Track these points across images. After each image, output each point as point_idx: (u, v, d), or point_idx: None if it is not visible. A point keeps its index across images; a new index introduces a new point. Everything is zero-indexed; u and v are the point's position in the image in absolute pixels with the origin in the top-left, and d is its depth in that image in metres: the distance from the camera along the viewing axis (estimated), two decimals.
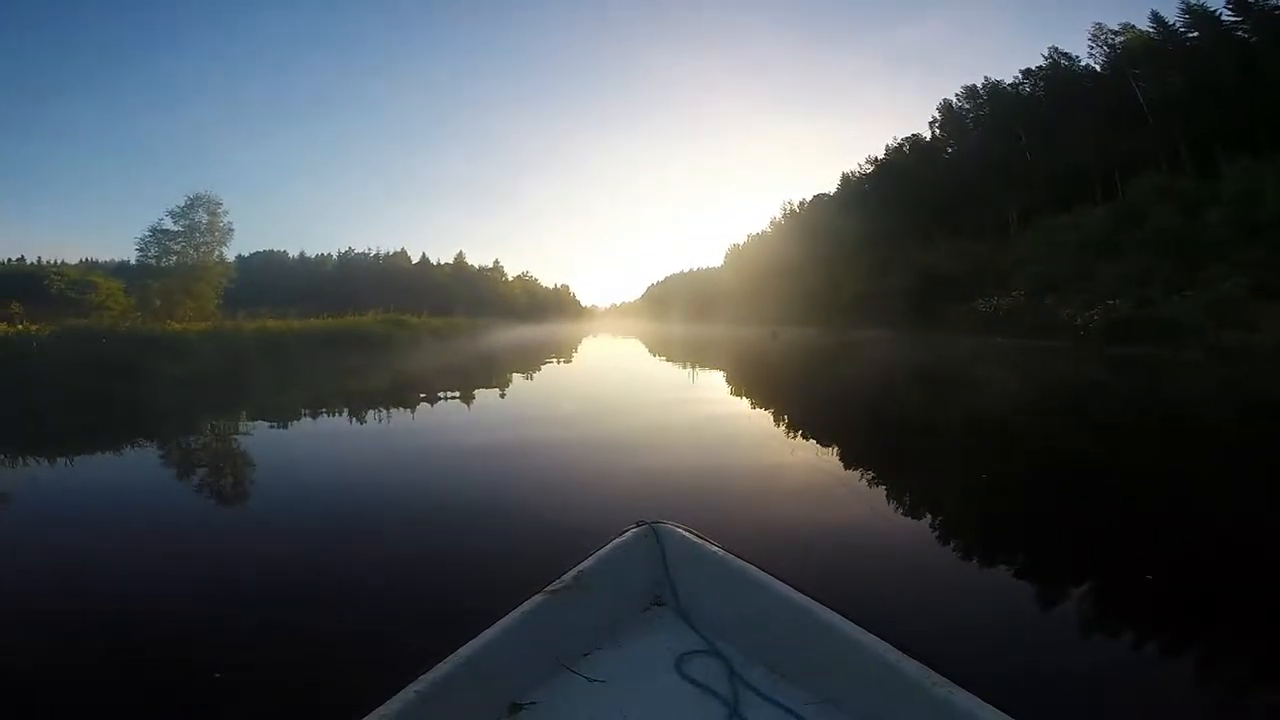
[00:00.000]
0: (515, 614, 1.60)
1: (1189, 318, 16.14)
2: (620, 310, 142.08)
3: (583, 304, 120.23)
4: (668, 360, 19.24)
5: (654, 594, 1.90)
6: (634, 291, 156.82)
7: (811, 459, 5.34)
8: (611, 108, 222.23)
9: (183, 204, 25.16)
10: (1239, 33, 28.66)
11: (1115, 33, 34.84)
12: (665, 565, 1.89)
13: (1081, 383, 11.55)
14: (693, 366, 15.60)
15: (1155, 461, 5.50)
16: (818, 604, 1.58)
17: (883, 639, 1.43)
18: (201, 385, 10.93)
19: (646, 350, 24.85)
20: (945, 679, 1.29)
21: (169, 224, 25.09)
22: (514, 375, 14.17)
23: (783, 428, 7.31)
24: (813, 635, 1.52)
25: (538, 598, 1.66)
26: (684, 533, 1.96)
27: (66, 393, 9.20)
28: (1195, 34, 30.69)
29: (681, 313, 72.83)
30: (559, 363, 18.82)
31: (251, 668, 2.19)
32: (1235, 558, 3.20)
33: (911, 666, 1.33)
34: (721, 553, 1.85)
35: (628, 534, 1.96)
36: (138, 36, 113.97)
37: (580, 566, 1.80)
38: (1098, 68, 35.69)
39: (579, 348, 26.90)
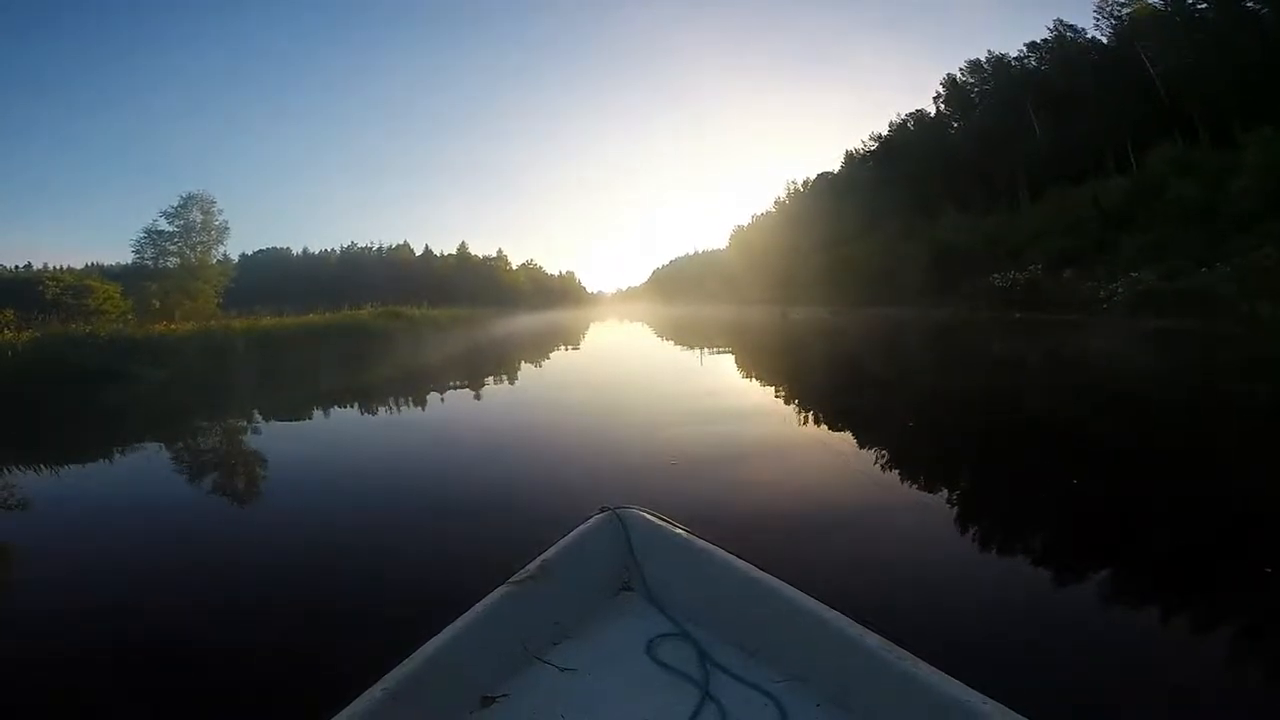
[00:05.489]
0: (480, 607, 1.57)
1: (1221, 289, 15.39)
2: (627, 295, 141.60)
3: (589, 290, 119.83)
4: (676, 346, 18.88)
5: (621, 579, 1.88)
6: (640, 276, 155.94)
7: (818, 443, 5.04)
8: (611, 91, 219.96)
9: (176, 204, 24.88)
10: (1247, 3, 27.70)
11: (1121, 4, 34.02)
12: (631, 550, 1.87)
13: (1119, 359, 10.96)
14: (701, 354, 15.10)
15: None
16: (783, 583, 1.59)
17: (844, 615, 1.44)
18: (179, 389, 10.59)
19: (655, 335, 24.64)
20: (907, 652, 1.31)
21: (163, 224, 24.86)
22: (522, 365, 13.90)
23: (802, 418, 6.83)
24: (779, 614, 1.53)
25: (502, 589, 1.64)
26: (648, 516, 1.93)
27: (16, 402, 8.80)
28: (1203, 4, 29.70)
29: (688, 296, 72.39)
30: (566, 349, 18.64)
31: (250, 655, 2.30)
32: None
33: (874, 641, 1.36)
34: (686, 535, 1.84)
35: (591, 520, 1.93)
36: (135, 34, 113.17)
37: (544, 556, 1.77)
38: (1104, 40, 35.08)
39: (586, 334, 26.67)
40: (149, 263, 25.06)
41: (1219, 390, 7.78)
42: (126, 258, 27.13)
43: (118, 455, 6.27)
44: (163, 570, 3.21)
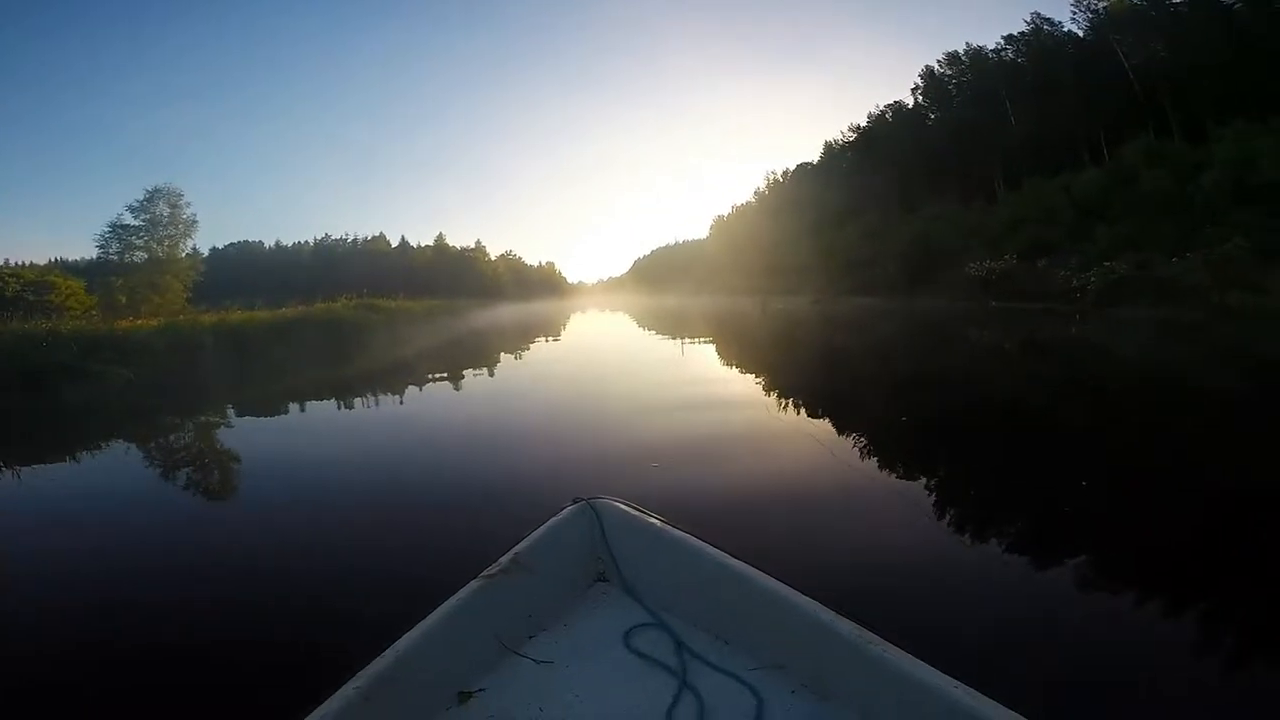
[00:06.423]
0: (452, 601, 1.55)
1: (1191, 279, 15.69)
2: (608, 285, 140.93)
3: (570, 280, 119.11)
4: (657, 335, 18.85)
5: (596, 570, 1.88)
6: (621, 266, 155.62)
7: (803, 434, 4.96)
8: (591, 81, 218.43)
9: (142, 198, 24.35)
10: None
11: None
12: (606, 541, 1.87)
13: (1087, 346, 11.13)
14: (681, 344, 15.08)
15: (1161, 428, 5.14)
16: (757, 570, 1.59)
17: (816, 600, 1.45)
18: (145, 387, 10.23)
19: (636, 325, 24.65)
20: (878, 637, 1.33)
21: (129, 219, 24.34)
22: (500, 356, 13.77)
23: (780, 406, 6.76)
24: (754, 602, 1.54)
25: (474, 583, 1.62)
26: (623, 507, 1.93)
27: None
28: None
29: (670, 286, 72.46)
30: (547, 340, 18.58)
31: (234, 648, 2.29)
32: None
33: (847, 627, 1.37)
34: (661, 525, 1.84)
35: (564, 512, 1.93)
36: (99, 22, 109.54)
37: (516, 549, 1.75)
38: (1080, 34, 35.30)
39: (567, 325, 26.54)
40: (114, 258, 24.55)
41: (1183, 375, 7.92)
42: (90, 253, 26.51)
43: (83, 455, 6.06)
44: (129, 571, 3.13)
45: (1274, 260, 14.82)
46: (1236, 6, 27.06)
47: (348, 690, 1.25)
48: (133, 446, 6.40)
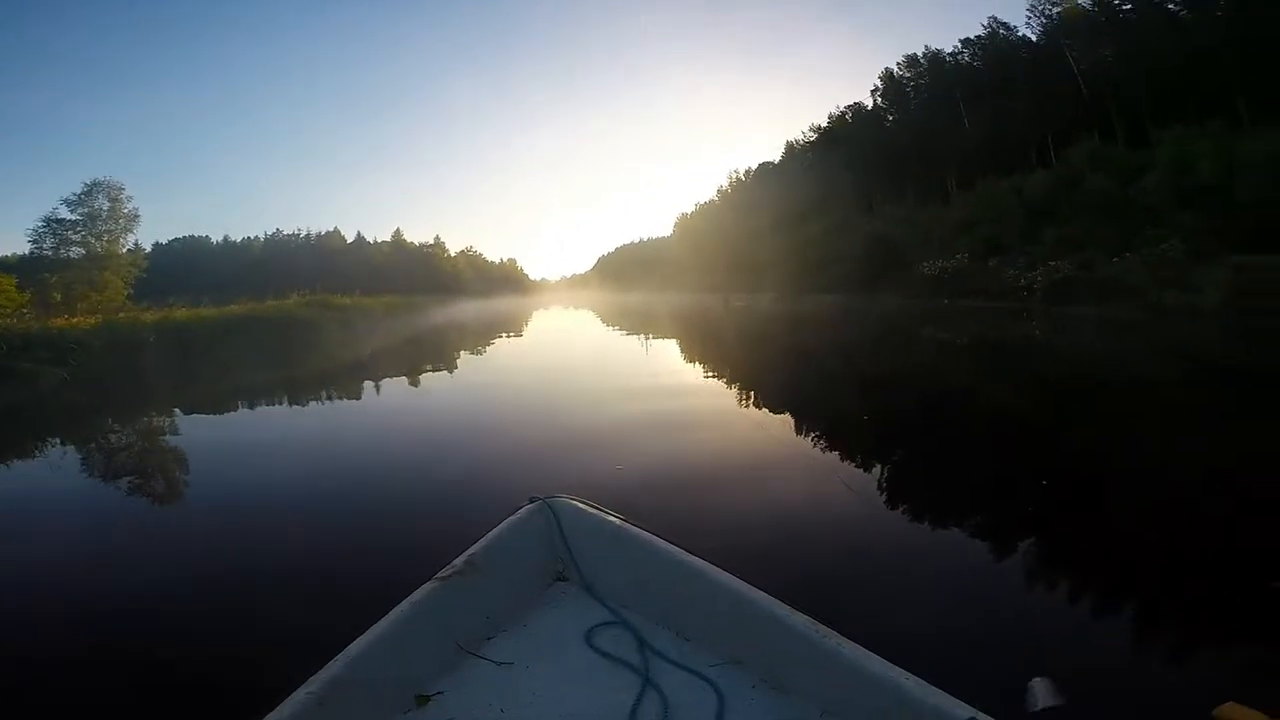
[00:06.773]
0: (406, 604, 1.52)
1: (1130, 279, 16.38)
2: (572, 282, 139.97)
3: (532, 277, 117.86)
4: (621, 332, 18.86)
5: (555, 570, 1.86)
6: (586, 263, 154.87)
7: (762, 431, 5.06)
8: (555, 77, 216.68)
9: (80, 191, 23.24)
10: (1169, 5, 29.43)
11: (1053, 3, 35.39)
12: (564, 539, 1.85)
13: (1022, 342, 11.54)
14: (645, 341, 15.11)
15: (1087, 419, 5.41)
16: (715, 567, 1.60)
17: (772, 596, 1.47)
18: (81, 387, 9.77)
19: (600, 322, 24.61)
20: (833, 631, 1.35)
21: (65, 213, 23.24)
22: (461, 354, 13.59)
23: (742, 401, 6.88)
24: (713, 598, 1.55)
25: (429, 585, 1.59)
26: (580, 505, 1.92)
27: None
28: (1128, 6, 31.38)
29: (634, 283, 72.42)
30: (508, 337, 18.48)
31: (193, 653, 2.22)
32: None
33: (802, 621, 1.39)
34: (619, 522, 1.83)
35: (520, 511, 1.90)
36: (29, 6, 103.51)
37: (471, 550, 1.73)
38: (1034, 38, 36.47)
39: (529, 322, 26.27)
40: (48, 253, 23.41)
41: (1121, 376, 8.28)
42: (23, 248, 25.25)
43: (13, 460, 5.74)
44: (67, 583, 2.95)
45: (1208, 261, 15.58)
46: (1182, 13, 28.29)
47: (300, 695, 1.22)
48: (69, 449, 6.11)
